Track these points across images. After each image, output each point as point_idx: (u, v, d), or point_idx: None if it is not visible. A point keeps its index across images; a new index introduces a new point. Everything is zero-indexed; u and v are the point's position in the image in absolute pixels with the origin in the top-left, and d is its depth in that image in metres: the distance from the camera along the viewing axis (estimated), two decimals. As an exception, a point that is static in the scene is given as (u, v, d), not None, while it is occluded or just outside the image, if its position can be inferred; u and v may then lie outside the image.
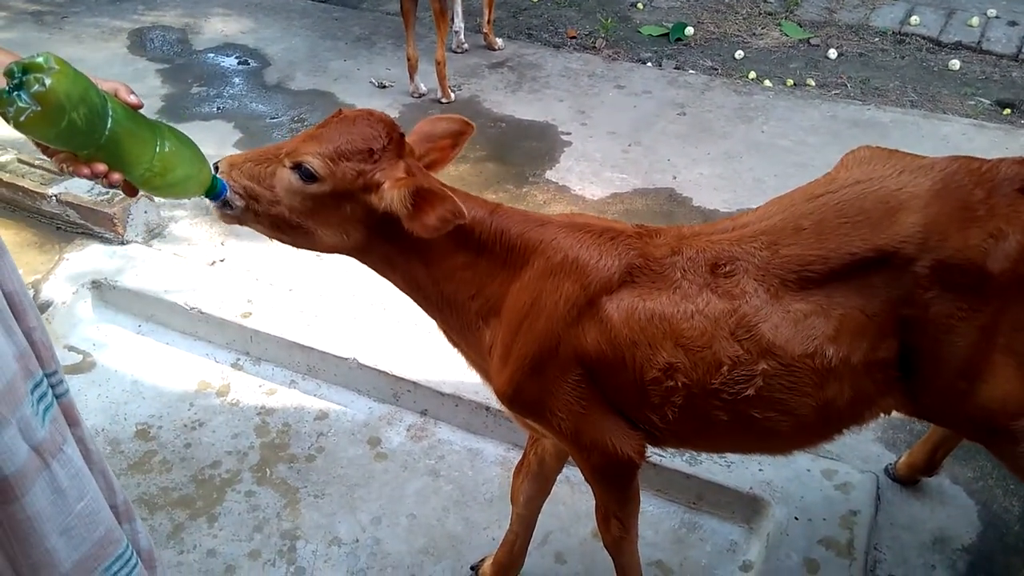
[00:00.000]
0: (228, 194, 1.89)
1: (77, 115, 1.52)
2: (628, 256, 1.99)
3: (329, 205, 1.91)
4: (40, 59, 1.49)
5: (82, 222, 4.12)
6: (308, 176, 1.87)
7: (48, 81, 1.47)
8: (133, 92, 1.73)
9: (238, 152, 1.99)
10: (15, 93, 1.48)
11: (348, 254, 2.04)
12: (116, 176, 1.68)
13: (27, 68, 1.49)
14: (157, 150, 1.70)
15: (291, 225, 1.93)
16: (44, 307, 3.76)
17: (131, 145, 1.66)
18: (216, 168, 1.90)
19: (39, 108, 1.48)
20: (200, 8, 6.93)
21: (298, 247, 2.03)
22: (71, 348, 3.71)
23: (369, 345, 3.50)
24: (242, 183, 1.90)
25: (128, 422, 3.41)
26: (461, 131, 2.12)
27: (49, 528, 1.66)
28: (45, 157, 1.71)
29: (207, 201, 1.91)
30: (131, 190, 1.78)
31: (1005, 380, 2.04)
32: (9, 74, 1.49)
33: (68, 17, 6.72)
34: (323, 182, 1.88)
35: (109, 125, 1.60)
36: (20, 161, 4.36)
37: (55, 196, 4.12)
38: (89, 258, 4.02)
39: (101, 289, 3.90)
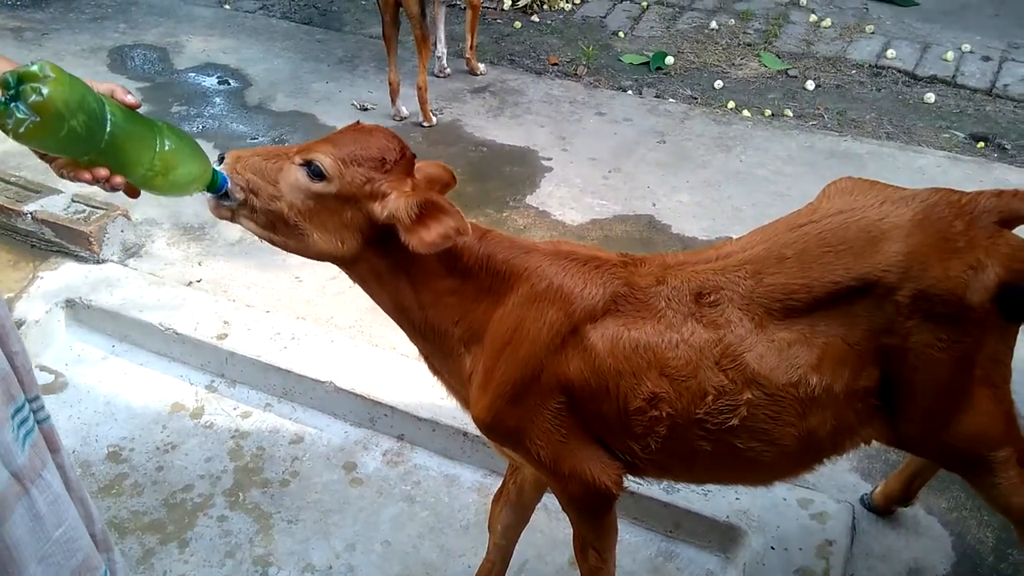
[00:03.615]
0: (229, 187, 1.87)
1: (76, 122, 1.50)
2: (613, 285, 2.00)
3: (330, 208, 1.90)
4: (35, 68, 1.47)
5: (57, 240, 4.08)
6: (316, 174, 1.86)
7: (45, 90, 1.45)
8: (130, 92, 1.71)
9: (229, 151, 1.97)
10: (12, 104, 1.45)
11: (338, 263, 2.02)
12: (118, 179, 1.66)
13: (22, 78, 1.46)
14: (157, 149, 1.68)
15: (287, 224, 1.91)
16: (17, 325, 3.67)
17: (131, 146, 1.64)
18: (221, 159, 1.88)
19: (38, 118, 1.46)
20: (182, 27, 6.91)
21: (287, 250, 1.99)
22: (43, 368, 3.65)
23: (346, 369, 3.47)
24: (245, 176, 1.88)
25: (99, 444, 3.36)
26: (448, 183, 2.15)
27: (27, 556, 1.62)
28: (47, 164, 1.67)
29: (206, 194, 1.88)
30: (133, 192, 1.75)
31: (983, 411, 2.06)
32: (4, 85, 1.47)
33: (48, 34, 6.68)
34: (330, 182, 1.87)
35: (108, 128, 1.58)
36: (-5, 178, 4.32)
37: (30, 214, 4.07)
38: (64, 277, 3.97)
39: (75, 308, 3.85)
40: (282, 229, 1.93)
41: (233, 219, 1.94)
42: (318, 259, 2.01)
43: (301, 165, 1.88)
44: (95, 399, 3.56)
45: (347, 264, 2.02)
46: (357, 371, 3.47)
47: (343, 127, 1.98)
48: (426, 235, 1.85)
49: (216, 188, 1.85)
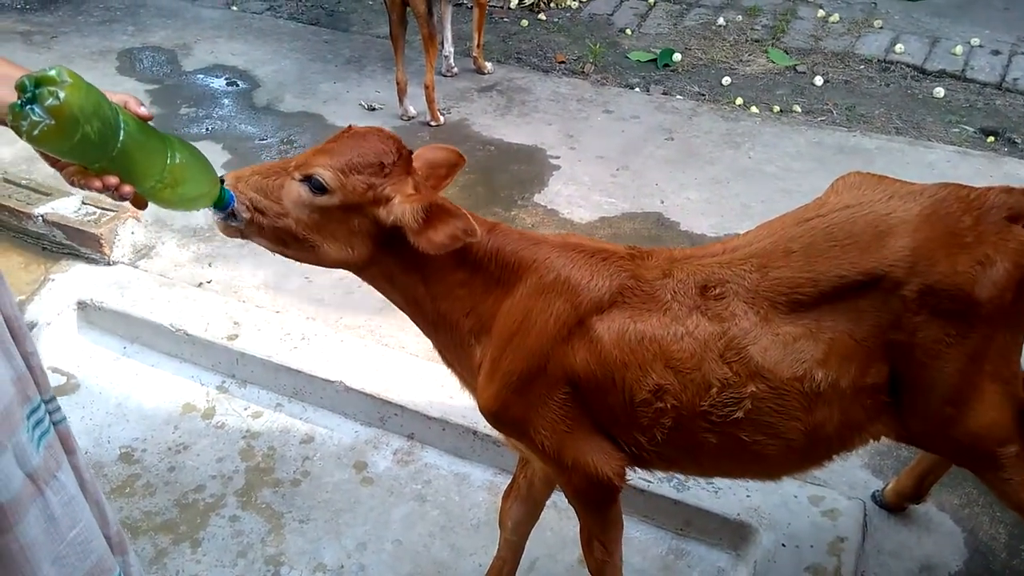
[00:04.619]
0: (235, 206, 1.88)
1: (90, 128, 1.51)
2: (620, 277, 2.01)
3: (336, 218, 1.92)
4: (52, 72, 1.48)
5: (68, 242, 4.10)
6: (318, 188, 1.88)
7: (62, 94, 1.46)
8: (143, 104, 1.72)
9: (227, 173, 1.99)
10: (28, 107, 1.47)
11: (350, 268, 2.04)
12: (127, 189, 1.67)
13: (40, 81, 1.48)
14: (168, 162, 1.69)
15: (296, 238, 1.93)
16: (29, 328, 3.71)
17: (142, 157, 1.66)
18: (221, 181, 1.89)
19: (53, 122, 1.47)
20: (189, 29, 6.93)
21: (300, 261, 2.03)
22: (55, 369, 3.67)
23: (356, 368, 3.48)
24: (248, 195, 1.90)
25: (112, 445, 3.37)
26: (455, 163, 2.15)
27: (41, 557, 1.63)
28: (55, 170, 1.68)
29: (210, 212, 1.89)
30: (141, 203, 1.77)
31: (992, 407, 2.05)
32: (21, 88, 1.48)
33: (57, 37, 6.70)
34: (333, 194, 1.88)
35: (121, 138, 1.59)
36: (6, 181, 4.34)
37: (41, 216, 4.09)
38: (75, 279, 3.99)
39: (86, 310, 3.87)
40: (292, 243, 1.95)
41: (243, 237, 1.96)
42: (332, 267, 2.04)
43: (302, 181, 1.90)
44: (107, 400, 3.58)
45: (361, 268, 2.04)
46: (367, 371, 3.47)
47: (336, 133, 1.99)
48: (434, 236, 1.87)
49: (223, 205, 1.87)
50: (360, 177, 1.89)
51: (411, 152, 2.00)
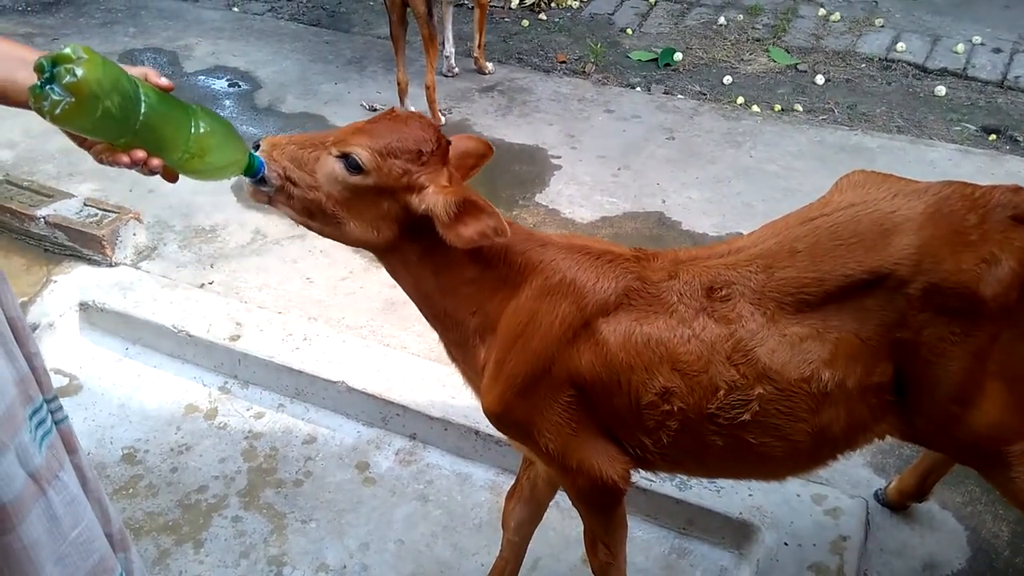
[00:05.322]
0: (265, 172, 1.88)
1: (111, 103, 1.52)
2: (625, 279, 2.00)
3: (367, 199, 1.91)
4: (68, 50, 1.49)
5: (71, 244, 4.09)
6: (354, 167, 1.87)
7: (79, 71, 1.46)
8: (163, 76, 1.71)
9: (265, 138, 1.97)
10: (48, 87, 1.47)
11: (371, 250, 2.05)
12: (156, 162, 1.66)
13: (56, 60, 1.48)
14: (192, 132, 1.69)
15: (324, 213, 1.92)
16: (31, 329, 3.71)
17: (166, 129, 1.65)
18: (256, 146, 1.89)
19: (73, 99, 1.47)
20: (191, 31, 6.93)
21: (324, 236, 2.01)
22: (57, 371, 3.67)
23: (358, 369, 3.48)
24: (282, 164, 1.89)
25: (114, 446, 3.37)
26: (484, 153, 2.16)
27: (44, 557, 1.63)
28: (83, 149, 1.67)
29: (244, 179, 1.89)
30: (171, 175, 1.76)
31: (997, 405, 2.04)
32: (39, 69, 1.48)
33: (59, 39, 6.70)
34: (368, 175, 1.87)
35: (143, 110, 1.59)
36: (8, 183, 4.34)
37: (43, 218, 4.09)
38: (77, 280, 3.99)
39: (88, 311, 3.87)
40: (319, 216, 1.94)
41: (271, 204, 1.95)
42: (354, 246, 2.04)
43: (338, 157, 1.89)
44: (109, 401, 3.58)
45: (381, 251, 2.04)
46: (369, 371, 3.47)
47: (379, 114, 1.98)
48: (464, 231, 1.86)
49: (253, 173, 1.86)
50: (397, 162, 1.88)
51: (450, 143, 2.00)
